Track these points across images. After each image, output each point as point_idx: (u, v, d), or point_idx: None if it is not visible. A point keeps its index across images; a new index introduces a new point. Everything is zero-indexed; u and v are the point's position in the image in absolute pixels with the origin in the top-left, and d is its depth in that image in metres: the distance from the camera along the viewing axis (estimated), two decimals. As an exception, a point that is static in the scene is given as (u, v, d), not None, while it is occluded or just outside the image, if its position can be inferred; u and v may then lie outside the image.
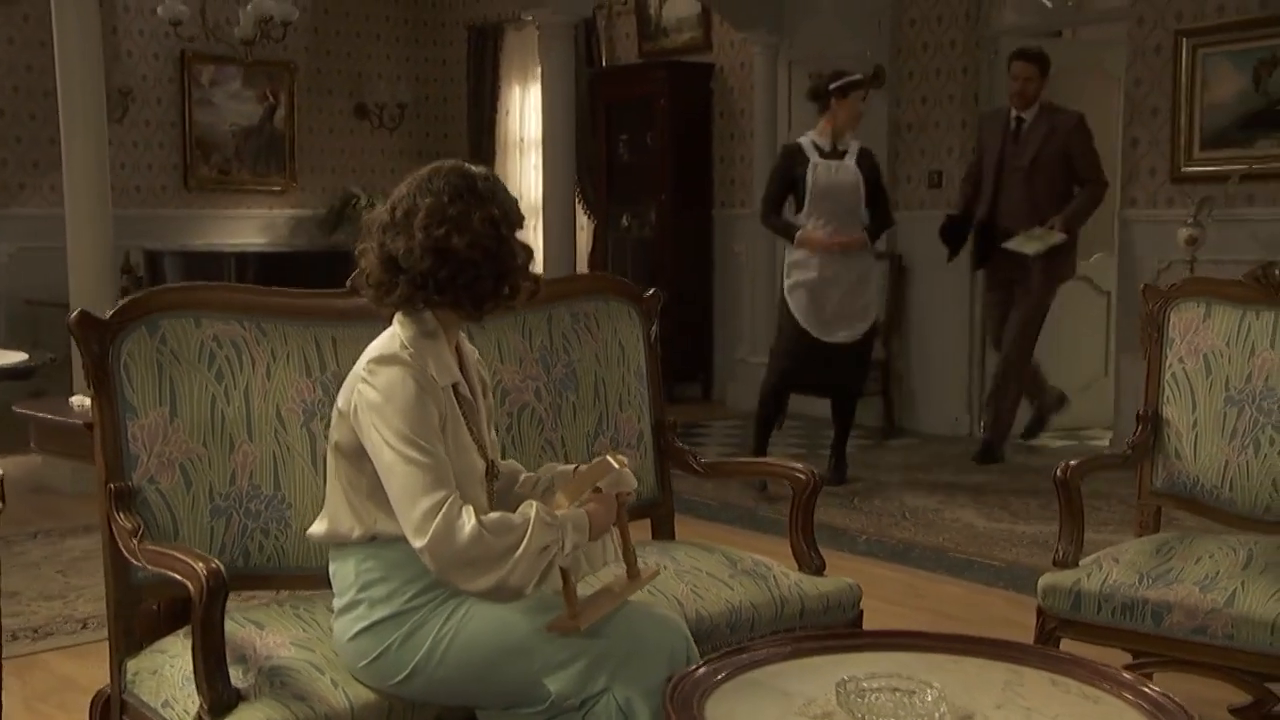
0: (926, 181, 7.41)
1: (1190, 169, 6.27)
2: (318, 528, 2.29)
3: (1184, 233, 6.05)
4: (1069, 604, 2.75)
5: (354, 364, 2.62)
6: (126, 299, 2.38)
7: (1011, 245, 6.20)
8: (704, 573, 2.68)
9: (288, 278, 6.80)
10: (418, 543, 2.07)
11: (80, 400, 2.96)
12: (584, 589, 2.22)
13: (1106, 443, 6.83)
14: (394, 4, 10.29)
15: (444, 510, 2.07)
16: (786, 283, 5.83)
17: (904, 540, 4.93)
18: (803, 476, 2.84)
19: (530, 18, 7.57)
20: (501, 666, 2.13)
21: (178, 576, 2.14)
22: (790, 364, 5.79)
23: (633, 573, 2.26)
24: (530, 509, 2.12)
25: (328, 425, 2.56)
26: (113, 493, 2.33)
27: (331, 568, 2.28)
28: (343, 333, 2.62)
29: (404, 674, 2.15)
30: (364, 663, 2.17)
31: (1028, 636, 3.63)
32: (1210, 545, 2.82)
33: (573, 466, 2.38)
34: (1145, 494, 3.14)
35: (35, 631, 3.90)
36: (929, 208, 7.31)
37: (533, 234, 10.03)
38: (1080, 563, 2.85)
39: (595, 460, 2.26)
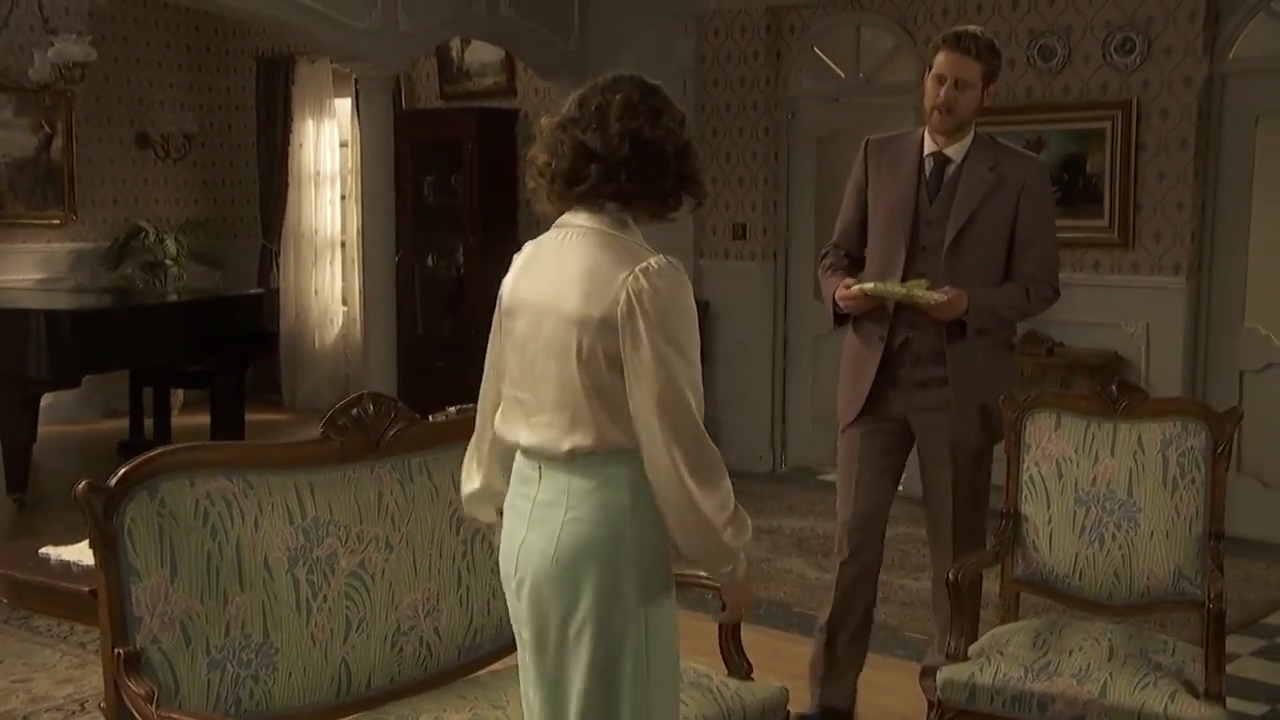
0: (731, 233, 7.86)
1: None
2: (581, 440, 2.26)
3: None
4: (965, 696, 3.14)
5: (328, 506, 2.74)
6: (127, 465, 2.43)
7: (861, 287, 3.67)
8: (656, 687, 2.93)
9: (107, 337, 6.69)
10: (683, 444, 2.18)
11: (57, 553, 2.94)
12: None
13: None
14: (176, 31, 10.00)
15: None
16: None
17: (757, 598, 5.27)
18: (732, 589, 3.12)
19: (350, 71, 7.58)
20: None
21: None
22: None
23: None
24: None
25: (309, 570, 2.70)
26: (121, 658, 2.38)
27: (594, 479, 2.27)
28: (319, 478, 2.73)
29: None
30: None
31: (896, 698, 4.04)
32: (1076, 636, 3.27)
33: None
34: (1007, 582, 3.58)
35: None
36: (733, 258, 7.82)
37: (331, 268, 9.99)
38: (969, 651, 3.25)
39: None
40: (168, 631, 2.46)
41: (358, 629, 2.77)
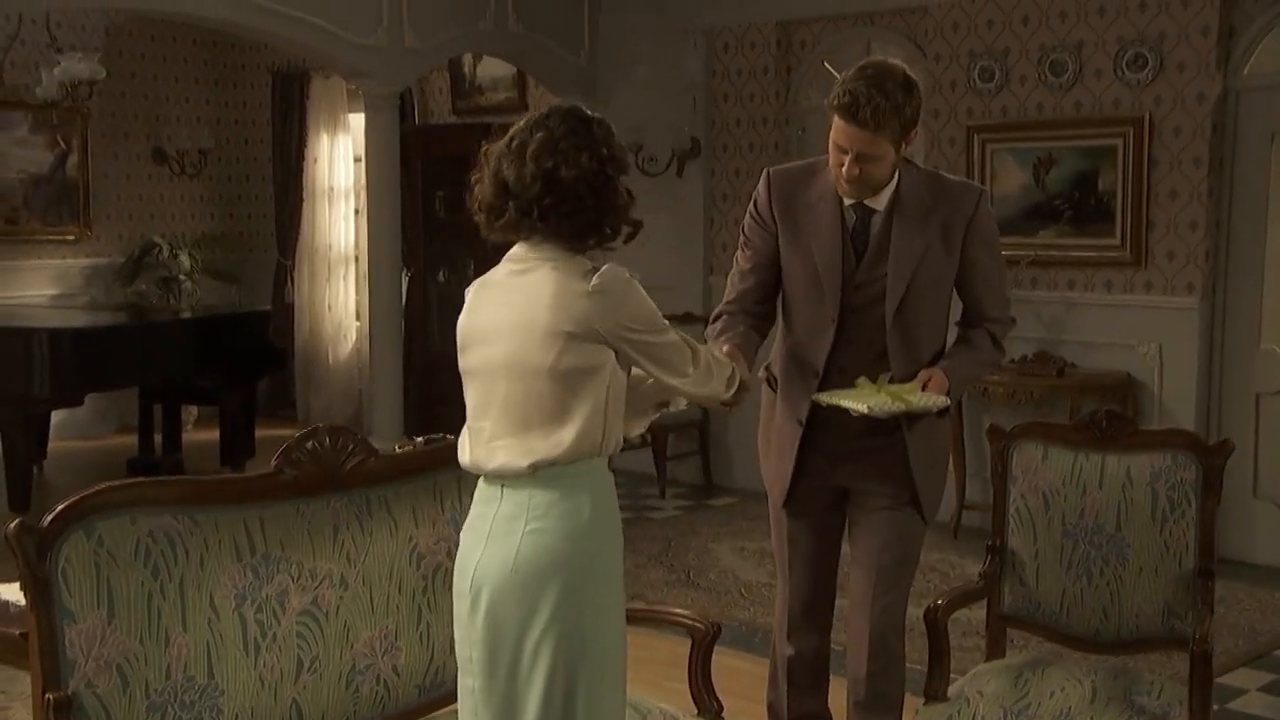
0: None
1: (984, 251, 6.79)
2: (545, 453, 2.37)
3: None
4: (942, 738, 3.04)
5: (279, 542, 2.68)
6: (64, 504, 2.38)
7: (829, 399, 3.07)
8: (620, 729, 2.85)
9: (110, 355, 6.68)
10: (707, 386, 2.58)
11: (-7, 590, 2.90)
12: None
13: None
14: (192, 46, 10.02)
15: (703, 352, 2.59)
16: None
17: (747, 623, 5.19)
18: (701, 627, 3.04)
19: (356, 87, 7.56)
20: None
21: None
22: None
23: None
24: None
25: (258, 608, 2.63)
26: (51, 704, 2.32)
27: (555, 490, 2.40)
28: (270, 514, 2.67)
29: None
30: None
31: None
32: (1060, 676, 3.16)
33: None
34: (994, 617, 3.47)
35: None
36: (743, 276, 7.69)
37: (345, 283, 9.98)
38: (948, 691, 3.15)
39: None
40: (103, 675, 2.40)
41: (310, 668, 2.71)
